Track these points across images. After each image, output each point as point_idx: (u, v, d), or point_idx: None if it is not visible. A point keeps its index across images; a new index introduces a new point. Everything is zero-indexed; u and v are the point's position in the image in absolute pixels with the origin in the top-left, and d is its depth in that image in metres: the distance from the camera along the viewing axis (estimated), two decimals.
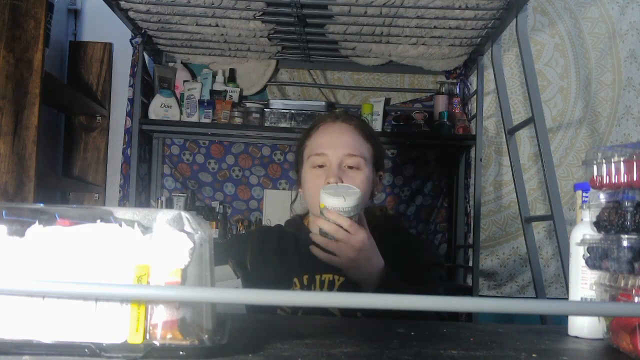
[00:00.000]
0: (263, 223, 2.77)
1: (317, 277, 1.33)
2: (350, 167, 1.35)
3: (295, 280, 1.34)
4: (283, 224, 1.52)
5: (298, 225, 1.46)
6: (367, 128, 1.45)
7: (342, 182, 1.33)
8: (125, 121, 2.56)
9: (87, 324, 0.61)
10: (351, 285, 1.30)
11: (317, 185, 1.35)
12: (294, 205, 1.55)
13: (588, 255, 0.85)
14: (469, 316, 2.49)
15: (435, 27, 2.34)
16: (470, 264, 2.65)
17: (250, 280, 1.32)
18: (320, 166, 1.37)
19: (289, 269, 1.36)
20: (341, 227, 1.20)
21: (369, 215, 1.38)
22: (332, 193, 1.22)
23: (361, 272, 1.23)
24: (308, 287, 1.33)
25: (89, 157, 2.83)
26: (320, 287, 1.32)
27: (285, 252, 1.41)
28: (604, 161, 0.81)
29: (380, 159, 1.46)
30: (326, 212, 1.21)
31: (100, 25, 2.85)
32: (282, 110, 2.68)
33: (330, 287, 1.32)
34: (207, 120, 2.66)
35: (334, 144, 1.37)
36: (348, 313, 1.25)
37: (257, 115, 2.67)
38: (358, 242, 1.20)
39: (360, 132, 1.40)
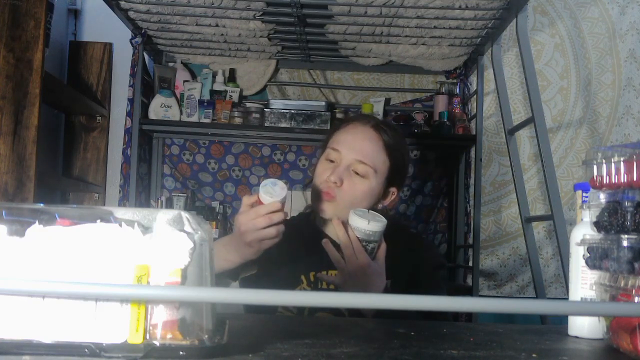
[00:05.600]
0: None
1: (325, 274, 1.33)
2: (357, 174, 1.35)
3: (302, 277, 1.34)
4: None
5: (306, 222, 1.46)
6: (395, 142, 1.41)
7: (342, 184, 1.33)
8: (125, 121, 2.56)
9: (87, 324, 0.61)
10: None
11: (321, 176, 1.36)
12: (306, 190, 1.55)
13: (588, 255, 0.85)
14: (469, 316, 2.49)
15: (435, 27, 2.34)
16: (470, 264, 2.64)
17: (259, 273, 1.32)
18: (332, 161, 1.37)
19: (296, 266, 1.35)
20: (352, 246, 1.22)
21: None
22: (360, 215, 1.23)
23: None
24: (315, 284, 1.33)
25: (89, 157, 2.83)
26: (327, 285, 1.32)
27: (293, 248, 1.40)
28: (604, 161, 0.81)
29: (397, 176, 1.42)
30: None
31: (100, 25, 2.85)
32: (282, 110, 2.68)
33: None
34: (207, 120, 2.66)
35: (351, 146, 1.37)
36: (355, 313, 1.25)
37: (257, 115, 2.67)
38: (353, 267, 1.20)
39: (382, 143, 1.38)
